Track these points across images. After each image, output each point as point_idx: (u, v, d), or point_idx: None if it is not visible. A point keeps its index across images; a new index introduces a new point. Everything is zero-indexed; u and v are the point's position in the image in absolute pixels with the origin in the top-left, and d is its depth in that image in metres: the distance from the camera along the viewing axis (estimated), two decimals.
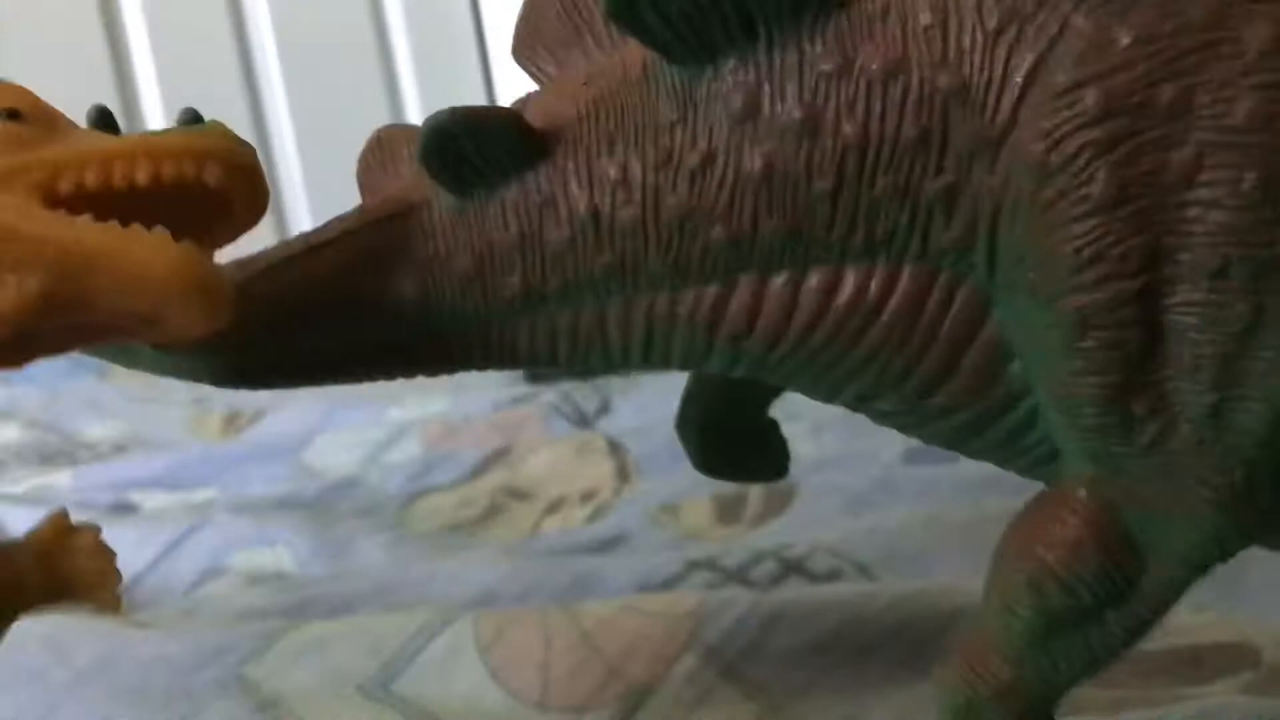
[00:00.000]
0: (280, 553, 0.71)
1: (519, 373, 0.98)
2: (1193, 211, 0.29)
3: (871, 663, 0.48)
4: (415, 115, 1.93)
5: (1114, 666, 0.34)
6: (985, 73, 0.30)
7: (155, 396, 1.06)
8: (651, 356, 0.35)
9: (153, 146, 0.32)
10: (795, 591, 0.54)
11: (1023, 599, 0.32)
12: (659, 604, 0.53)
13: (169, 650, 0.53)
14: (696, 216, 0.33)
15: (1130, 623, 0.32)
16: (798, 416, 0.56)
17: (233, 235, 0.34)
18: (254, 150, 0.33)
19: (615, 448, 0.84)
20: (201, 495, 0.85)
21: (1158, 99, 0.29)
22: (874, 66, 0.31)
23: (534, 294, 0.34)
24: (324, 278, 0.36)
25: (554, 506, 0.77)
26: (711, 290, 0.33)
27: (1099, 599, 0.32)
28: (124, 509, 0.84)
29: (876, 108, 0.31)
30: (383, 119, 1.93)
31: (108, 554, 0.37)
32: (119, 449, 0.98)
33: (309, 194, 1.80)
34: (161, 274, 0.30)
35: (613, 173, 0.33)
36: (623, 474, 0.80)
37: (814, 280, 0.33)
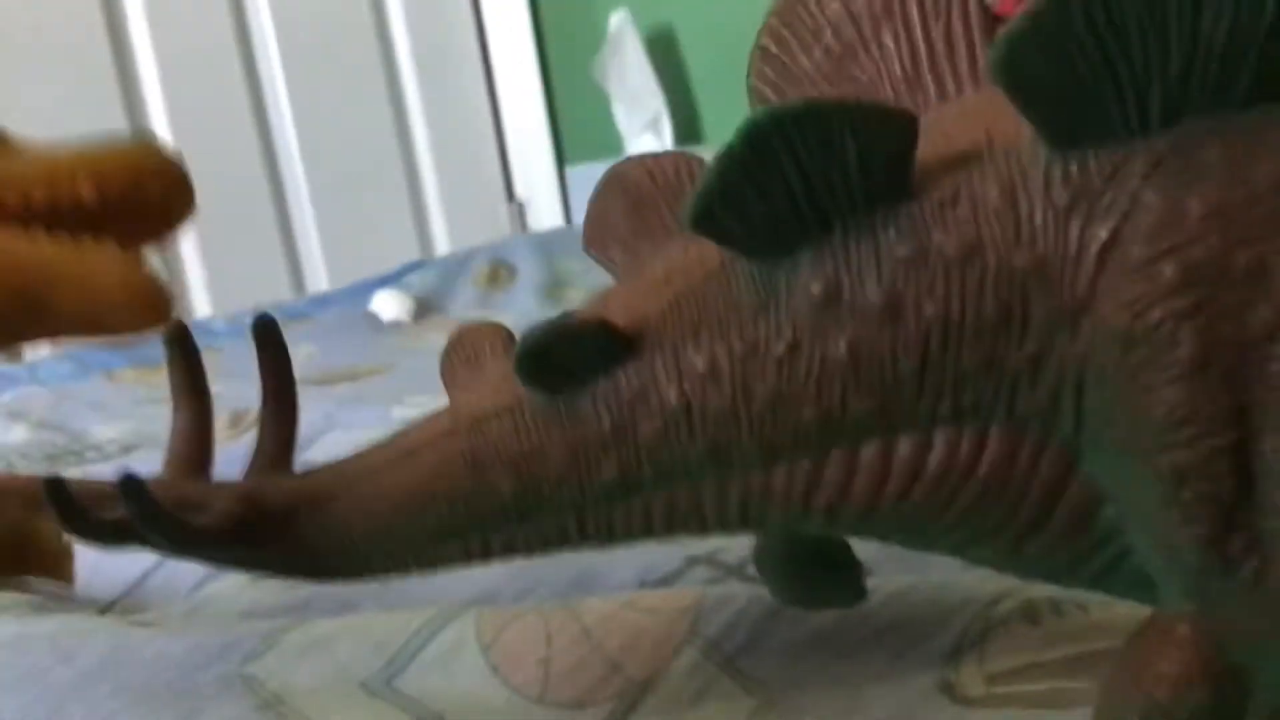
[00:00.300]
0: None
1: None
2: (1276, 366, 0.30)
3: (870, 657, 0.48)
4: (416, 115, 1.93)
5: None
6: (1060, 249, 0.31)
7: (162, 398, 1.06)
8: (748, 526, 0.36)
9: (95, 166, 0.33)
10: None
11: None
12: (659, 600, 0.53)
13: (172, 650, 0.53)
14: (786, 401, 0.33)
15: None
16: None
17: (165, 232, 0.36)
18: (184, 163, 0.35)
19: None
20: None
21: (1234, 265, 0.30)
22: (949, 250, 0.32)
23: (629, 481, 0.35)
24: (422, 481, 0.37)
25: None
26: (804, 465, 0.34)
27: None
28: None
29: (955, 289, 0.32)
30: (383, 118, 1.94)
31: (65, 537, 0.38)
32: (126, 449, 0.99)
33: (311, 193, 1.80)
34: (113, 288, 0.32)
35: (700, 365, 0.34)
36: None
37: (904, 448, 0.33)
